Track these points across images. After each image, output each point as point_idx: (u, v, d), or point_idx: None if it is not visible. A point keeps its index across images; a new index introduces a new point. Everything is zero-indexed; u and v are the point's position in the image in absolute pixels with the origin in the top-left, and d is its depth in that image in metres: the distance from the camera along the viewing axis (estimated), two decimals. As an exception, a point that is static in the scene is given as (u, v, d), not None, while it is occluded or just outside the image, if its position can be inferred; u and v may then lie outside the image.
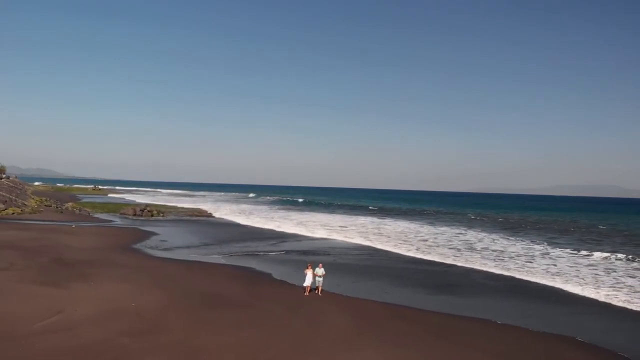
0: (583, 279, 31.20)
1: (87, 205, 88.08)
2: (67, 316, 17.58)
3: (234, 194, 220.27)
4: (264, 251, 39.84)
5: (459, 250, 44.21)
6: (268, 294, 23.82)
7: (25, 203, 69.02)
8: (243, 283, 26.00)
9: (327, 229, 61.16)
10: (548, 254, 42.79)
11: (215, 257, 35.20)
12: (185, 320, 18.08)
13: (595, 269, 34.97)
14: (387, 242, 49.19)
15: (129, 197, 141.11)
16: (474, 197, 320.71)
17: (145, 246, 39.12)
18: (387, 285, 27.78)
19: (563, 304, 24.80)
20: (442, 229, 66.73)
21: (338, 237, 53.36)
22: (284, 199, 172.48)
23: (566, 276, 31.97)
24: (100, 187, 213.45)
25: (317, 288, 24.08)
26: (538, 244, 50.44)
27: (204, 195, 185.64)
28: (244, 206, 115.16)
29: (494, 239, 53.83)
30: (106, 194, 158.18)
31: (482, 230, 65.09)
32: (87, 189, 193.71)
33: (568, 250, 44.89)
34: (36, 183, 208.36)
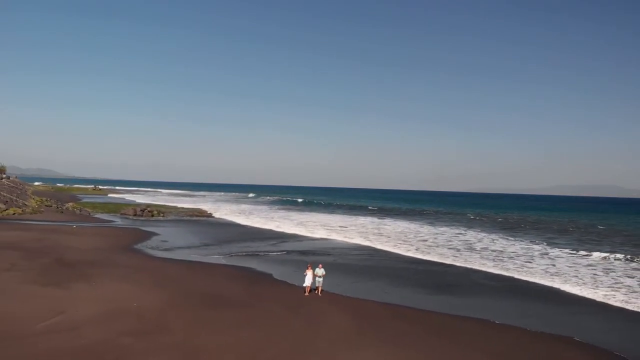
0: (582, 279, 31.36)
1: (88, 205, 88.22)
2: (69, 317, 17.74)
3: (234, 194, 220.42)
4: (264, 251, 40.00)
5: (458, 250, 44.37)
6: (268, 294, 23.97)
7: (26, 203, 69.17)
8: (243, 283, 26.15)
9: (327, 229, 61.32)
10: (547, 254, 42.95)
11: (215, 258, 35.36)
12: (186, 321, 18.22)
13: (594, 269, 35.12)
14: (387, 242, 49.35)
15: (129, 197, 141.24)
16: (474, 197, 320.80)
17: (146, 246, 39.28)
18: (387, 286, 27.94)
19: (561, 304, 24.95)
20: (441, 229, 66.89)
21: (338, 237, 53.51)
22: (284, 199, 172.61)
23: (565, 276, 32.12)
24: (100, 187, 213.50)
25: (317, 288, 24.24)
26: (537, 244, 50.60)
27: (204, 196, 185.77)
28: (244, 206, 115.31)
29: (493, 239, 53.99)
30: (106, 194, 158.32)
31: (482, 231, 65.25)
32: (87, 189, 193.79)
33: (567, 251, 45.04)
34: (36, 183, 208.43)
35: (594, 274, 33.08)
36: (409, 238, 53.72)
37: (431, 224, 75.91)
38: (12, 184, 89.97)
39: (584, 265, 36.77)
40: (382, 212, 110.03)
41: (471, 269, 34.55)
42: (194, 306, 20.53)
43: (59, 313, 18.03)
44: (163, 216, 72.69)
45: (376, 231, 60.83)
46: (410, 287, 27.73)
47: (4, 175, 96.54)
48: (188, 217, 74.40)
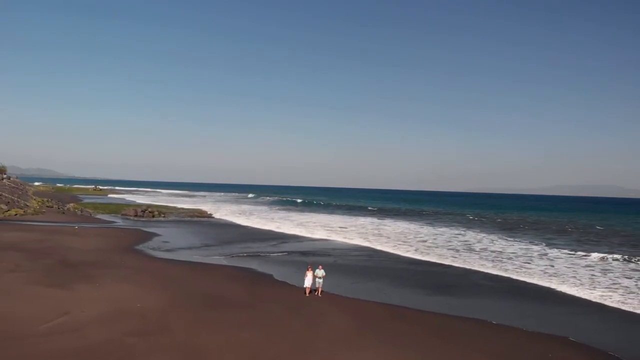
0: (579, 279, 31.64)
1: (89, 206, 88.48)
2: (73, 317, 18.02)
3: (233, 194, 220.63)
4: (265, 252, 40.28)
5: (457, 251, 44.65)
6: (269, 295, 24.25)
7: (27, 204, 69.43)
8: (244, 284, 26.43)
9: (327, 230, 61.60)
10: (546, 254, 43.24)
11: (216, 258, 35.64)
12: (188, 321, 18.49)
13: (592, 270, 35.41)
14: (386, 243, 49.63)
15: (129, 197, 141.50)
16: (474, 197, 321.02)
17: (147, 247, 39.56)
18: (386, 286, 28.22)
19: (559, 304, 25.23)
20: (441, 229, 67.17)
21: (338, 238, 53.79)
22: (284, 199, 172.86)
23: (563, 277, 32.41)
24: (100, 187, 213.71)
25: (317, 289, 24.52)
26: (536, 244, 50.89)
27: (204, 196, 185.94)
28: (244, 207, 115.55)
29: (492, 240, 54.28)
30: (106, 195, 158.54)
31: (481, 231, 65.52)
32: (87, 189, 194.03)
33: (566, 251, 45.33)
34: (36, 183, 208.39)
35: (592, 275, 33.37)
36: (409, 239, 54.00)
37: (431, 224, 76.19)
38: (13, 185, 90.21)
39: (582, 266, 37.05)
40: (382, 212, 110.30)
41: (470, 270, 34.84)
42: (196, 307, 20.81)
43: (63, 313, 18.31)
44: (164, 217, 72.99)
45: (376, 232, 61.11)
46: (409, 288, 28.01)
47: (5, 176, 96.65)
48: (188, 218, 74.68)
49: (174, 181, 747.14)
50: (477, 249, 45.95)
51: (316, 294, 24.37)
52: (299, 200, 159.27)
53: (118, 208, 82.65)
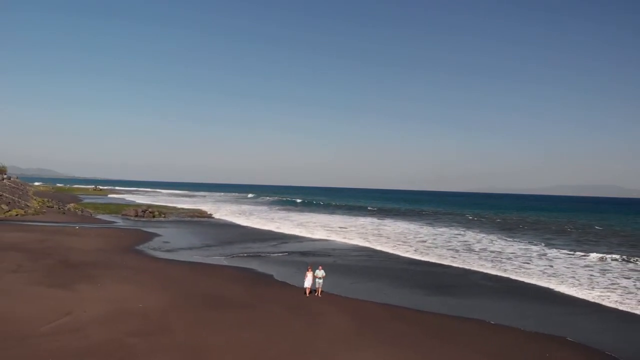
0: (578, 280, 31.79)
1: (89, 206, 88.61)
2: (75, 317, 18.16)
3: (233, 194, 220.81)
4: (265, 252, 40.44)
5: (457, 251, 44.80)
6: (269, 295, 24.40)
7: (28, 204, 69.57)
8: (245, 284, 26.59)
9: (327, 230, 61.75)
10: (545, 254, 43.40)
11: (217, 259, 35.79)
12: (188, 321, 18.63)
13: (591, 270, 35.55)
14: (386, 243, 49.78)
15: (129, 197, 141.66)
16: (474, 197, 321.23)
17: (148, 247, 39.72)
18: (386, 287, 28.37)
19: (557, 304, 25.38)
20: (441, 229, 67.33)
21: (338, 238, 53.94)
22: (284, 199, 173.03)
23: (562, 277, 32.55)
24: (100, 187, 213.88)
25: (317, 289, 24.67)
26: (535, 244, 51.04)
27: (204, 196, 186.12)
28: (244, 207, 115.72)
29: (492, 240, 54.43)
30: (106, 195, 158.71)
31: (481, 231, 65.67)
32: (87, 189, 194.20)
33: (565, 251, 45.48)
34: (36, 183, 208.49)
35: (591, 275, 33.51)
36: (409, 239, 54.16)
37: (430, 224, 76.34)
38: (13, 185, 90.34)
39: (581, 266, 37.20)
40: (382, 212, 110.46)
41: (469, 270, 34.99)
42: (196, 307, 20.95)
43: (65, 314, 18.46)
44: (164, 217, 73.14)
45: (376, 232, 61.27)
46: (409, 288, 28.16)
47: (5, 176, 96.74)
48: (189, 218, 74.84)
49: (174, 181, 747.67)
50: (477, 249, 46.10)
51: (316, 294, 24.51)
52: (298, 201, 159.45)
53: (118, 208, 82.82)
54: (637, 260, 40.36)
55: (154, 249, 39.34)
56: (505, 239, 55.89)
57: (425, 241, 52.44)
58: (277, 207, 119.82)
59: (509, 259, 40.58)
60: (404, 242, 51.33)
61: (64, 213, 70.29)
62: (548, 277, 32.44)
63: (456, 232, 64.27)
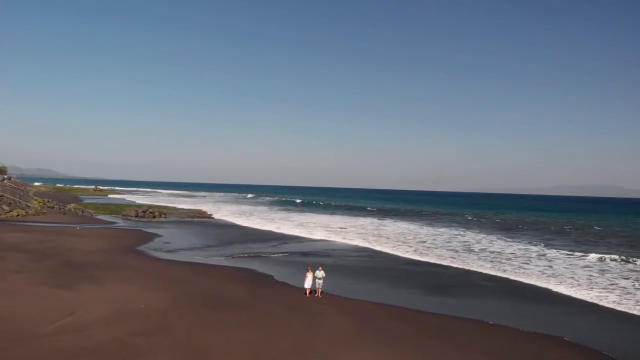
0: (577, 280, 31.97)
1: (90, 206, 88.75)
2: (79, 317, 18.34)
3: (233, 194, 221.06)
4: (266, 253, 40.62)
5: (456, 251, 44.98)
6: (269, 295, 24.58)
7: (29, 205, 69.73)
8: (245, 285, 26.77)
9: (327, 231, 61.94)
10: (544, 255, 43.58)
11: (217, 259, 35.97)
12: (189, 321, 18.81)
13: (590, 271, 35.73)
14: (386, 243, 49.96)
15: (129, 197, 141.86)
16: (474, 197, 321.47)
17: (149, 248, 39.90)
18: (386, 287, 28.56)
19: (556, 305, 25.56)
20: (440, 230, 67.50)
21: (338, 238, 54.13)
22: (283, 199, 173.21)
23: (561, 278, 32.73)
24: (100, 187, 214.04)
25: (317, 290, 24.85)
26: (535, 245, 51.21)
27: (204, 196, 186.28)
28: (244, 207, 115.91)
29: (491, 240, 54.61)
30: (106, 195, 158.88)
31: (480, 232, 65.84)
32: (88, 189, 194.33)
33: (564, 252, 45.64)
34: (36, 183, 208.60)
35: (590, 276, 33.69)
36: (408, 239, 54.33)
37: (430, 225, 76.53)
38: (14, 185, 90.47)
39: (580, 267, 37.38)
40: (382, 212, 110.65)
41: (469, 271, 35.17)
42: (197, 307, 21.13)
43: (69, 314, 18.64)
44: (164, 217, 73.34)
45: (375, 232, 61.46)
46: (408, 289, 28.34)
47: (6, 176, 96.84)
48: (189, 219, 75.03)
49: (174, 181, 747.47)
50: (476, 250, 46.28)
51: (316, 294, 24.69)
52: (298, 201, 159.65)
53: (119, 208, 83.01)
54: (636, 260, 40.54)
55: (155, 249, 39.53)
56: (505, 240, 56.07)
57: (425, 241, 52.62)
58: (277, 208, 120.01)
59: (509, 259, 40.76)
60: (404, 242, 51.52)
61: (65, 213, 70.46)
62: (547, 278, 32.62)
63: (456, 232, 64.45)
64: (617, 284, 30.90)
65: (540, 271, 35.09)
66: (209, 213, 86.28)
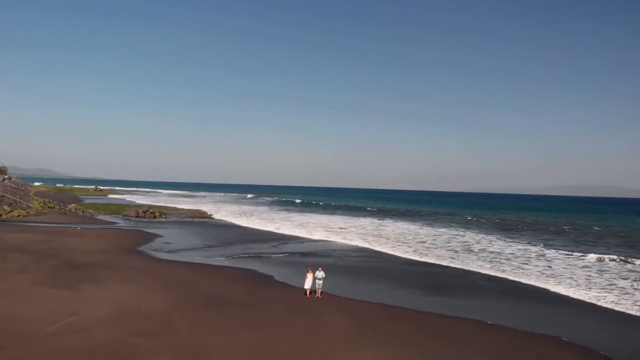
0: (576, 280, 32.09)
1: (90, 206, 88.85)
2: (81, 318, 18.47)
3: (233, 194, 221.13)
4: (266, 253, 40.75)
5: (456, 252, 45.11)
6: (270, 295, 24.70)
7: (30, 205, 69.85)
8: (245, 285, 26.89)
9: (327, 231, 62.05)
10: (543, 255, 43.71)
11: (218, 259, 36.10)
12: (190, 322, 18.93)
13: (589, 271, 35.86)
14: (386, 244, 50.08)
15: (129, 197, 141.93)
16: (474, 197, 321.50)
17: (149, 248, 40.02)
18: (385, 287, 28.68)
19: (554, 305, 25.68)
20: (440, 230, 67.62)
21: (338, 239, 54.24)
22: (284, 199, 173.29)
23: (560, 278, 32.86)
24: (101, 187, 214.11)
25: (317, 290, 24.97)
26: (534, 245, 51.34)
27: (204, 196, 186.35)
28: (244, 207, 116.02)
29: (491, 241, 54.73)
30: (107, 195, 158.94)
31: (480, 232, 65.96)
32: (88, 189, 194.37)
33: (563, 252, 45.77)
34: (36, 183, 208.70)
35: (588, 276, 33.82)
36: (408, 240, 54.46)
37: (430, 225, 76.66)
38: (14, 186, 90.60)
39: (579, 267, 37.51)
40: (382, 213, 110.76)
41: (468, 271, 35.29)
42: (198, 307, 21.26)
43: (71, 314, 18.76)
44: (165, 217, 73.46)
45: (375, 233, 61.58)
46: (408, 289, 28.47)
47: (6, 177, 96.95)
48: (189, 219, 75.14)
49: (174, 181, 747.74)
50: (476, 250, 46.41)
51: (316, 295, 24.82)
52: (298, 201, 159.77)
53: (119, 209, 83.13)
54: (634, 261, 40.67)
55: (156, 249, 39.65)
56: (504, 240, 56.20)
57: (424, 242, 52.74)
58: (277, 208, 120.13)
59: (508, 259, 40.89)
60: (404, 242, 51.64)
61: (65, 214, 70.57)
62: (546, 278, 32.75)
63: (455, 232, 64.58)
64: (615, 284, 31.02)
65: (539, 271, 35.22)
66: (209, 213, 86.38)
